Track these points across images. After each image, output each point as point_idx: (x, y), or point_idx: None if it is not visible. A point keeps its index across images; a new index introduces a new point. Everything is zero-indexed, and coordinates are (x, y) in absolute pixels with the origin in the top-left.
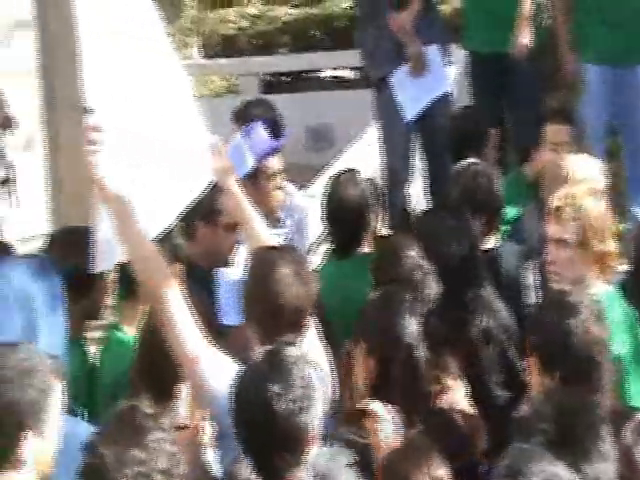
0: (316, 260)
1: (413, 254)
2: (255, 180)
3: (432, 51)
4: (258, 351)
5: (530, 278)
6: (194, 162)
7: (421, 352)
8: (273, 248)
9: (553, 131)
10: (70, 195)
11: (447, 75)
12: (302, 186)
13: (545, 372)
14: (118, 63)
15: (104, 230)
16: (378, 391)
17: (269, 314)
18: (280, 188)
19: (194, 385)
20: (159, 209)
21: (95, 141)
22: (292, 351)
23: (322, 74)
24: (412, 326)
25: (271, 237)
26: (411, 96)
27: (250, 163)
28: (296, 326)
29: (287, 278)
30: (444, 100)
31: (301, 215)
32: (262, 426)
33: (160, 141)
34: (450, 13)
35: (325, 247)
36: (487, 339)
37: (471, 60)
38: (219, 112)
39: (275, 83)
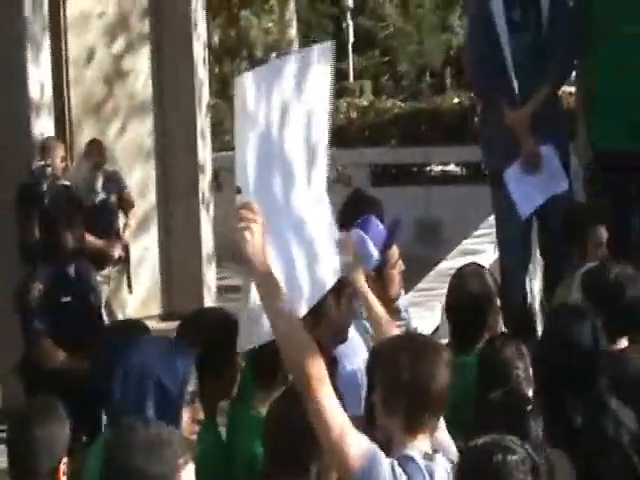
0: None
1: (521, 366)
2: (379, 272)
3: (548, 150)
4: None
5: None
6: (327, 252)
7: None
8: (411, 337)
9: None
10: (182, 276)
11: (563, 174)
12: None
13: None
14: (266, 149)
15: (251, 309)
16: None
17: (417, 404)
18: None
19: (337, 462)
20: (299, 292)
21: (248, 219)
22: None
23: (431, 168)
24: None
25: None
26: (526, 193)
27: (376, 255)
28: (439, 414)
29: (435, 366)
30: (564, 197)
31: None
32: None
33: (300, 224)
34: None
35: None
36: (611, 449)
37: (596, 158)
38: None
39: (385, 175)
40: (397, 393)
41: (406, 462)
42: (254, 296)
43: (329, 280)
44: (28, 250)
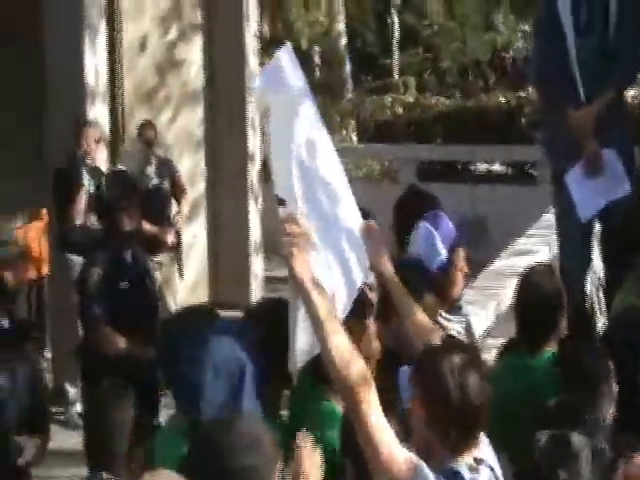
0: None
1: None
2: (443, 270)
3: (610, 154)
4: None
5: None
6: (359, 250)
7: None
8: (454, 346)
9: None
10: (229, 265)
11: (626, 178)
12: None
13: None
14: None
15: (299, 325)
16: None
17: (466, 423)
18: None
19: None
20: (341, 294)
21: (294, 233)
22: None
23: (476, 167)
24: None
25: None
26: (586, 196)
27: (444, 254)
28: (485, 428)
29: (482, 381)
30: (627, 201)
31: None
32: None
33: (334, 227)
34: None
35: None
36: None
37: None
38: (376, 197)
39: (431, 172)
40: (443, 410)
41: (454, 477)
42: (302, 312)
43: (360, 279)
44: (67, 237)
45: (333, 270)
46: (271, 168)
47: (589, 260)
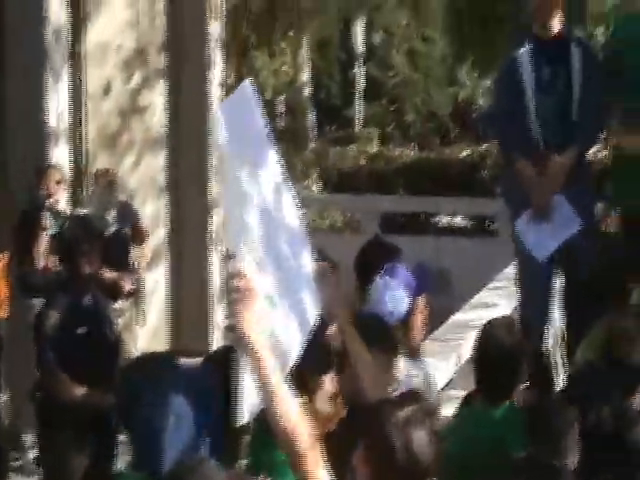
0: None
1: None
2: (404, 322)
3: (558, 199)
4: None
5: None
6: (311, 295)
7: None
8: (403, 398)
9: None
10: (190, 312)
11: (575, 217)
12: None
13: None
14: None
15: (245, 382)
16: None
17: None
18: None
19: None
20: (296, 345)
21: (242, 290)
22: None
23: (438, 218)
24: None
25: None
26: (539, 240)
27: (403, 305)
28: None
29: (421, 436)
30: (586, 248)
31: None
32: None
33: (289, 272)
34: None
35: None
36: None
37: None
38: (339, 247)
39: (394, 223)
40: (388, 468)
41: None
42: (248, 369)
43: (311, 324)
44: (27, 279)
45: (289, 322)
46: (225, 219)
47: (549, 313)
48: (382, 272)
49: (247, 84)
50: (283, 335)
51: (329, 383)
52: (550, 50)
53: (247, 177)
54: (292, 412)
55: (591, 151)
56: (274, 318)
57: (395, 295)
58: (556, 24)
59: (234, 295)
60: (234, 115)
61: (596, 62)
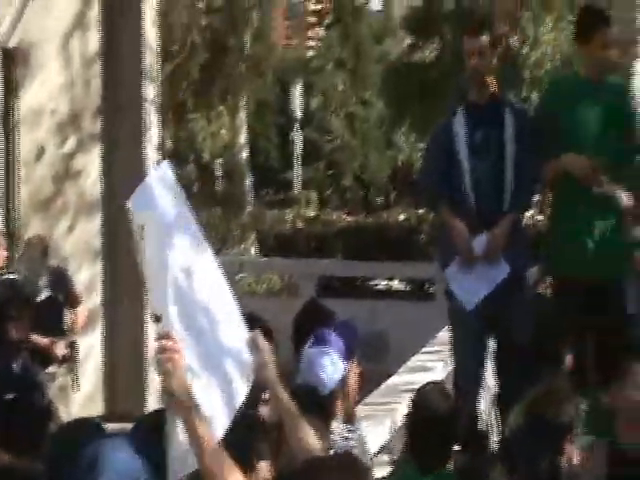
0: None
1: None
2: (338, 387)
3: (479, 241)
4: None
5: None
6: (240, 362)
7: None
8: (331, 462)
9: None
10: (126, 378)
11: (503, 263)
12: None
13: None
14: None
15: (176, 441)
16: None
17: None
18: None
19: None
20: (219, 414)
21: (168, 350)
22: None
23: (376, 282)
24: None
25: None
26: (467, 288)
27: (335, 372)
28: None
29: None
30: (522, 311)
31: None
32: None
33: (212, 344)
34: None
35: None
36: None
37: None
38: (276, 311)
39: (331, 286)
40: None
41: None
42: (179, 429)
43: (243, 391)
44: None
45: (212, 394)
46: (146, 286)
47: (483, 376)
48: (311, 340)
49: (163, 165)
50: (206, 405)
51: (265, 470)
52: (484, 114)
53: (162, 254)
54: (226, 470)
55: (527, 214)
56: (196, 388)
57: (324, 363)
58: (490, 89)
59: (161, 355)
60: (148, 197)
61: (530, 126)
